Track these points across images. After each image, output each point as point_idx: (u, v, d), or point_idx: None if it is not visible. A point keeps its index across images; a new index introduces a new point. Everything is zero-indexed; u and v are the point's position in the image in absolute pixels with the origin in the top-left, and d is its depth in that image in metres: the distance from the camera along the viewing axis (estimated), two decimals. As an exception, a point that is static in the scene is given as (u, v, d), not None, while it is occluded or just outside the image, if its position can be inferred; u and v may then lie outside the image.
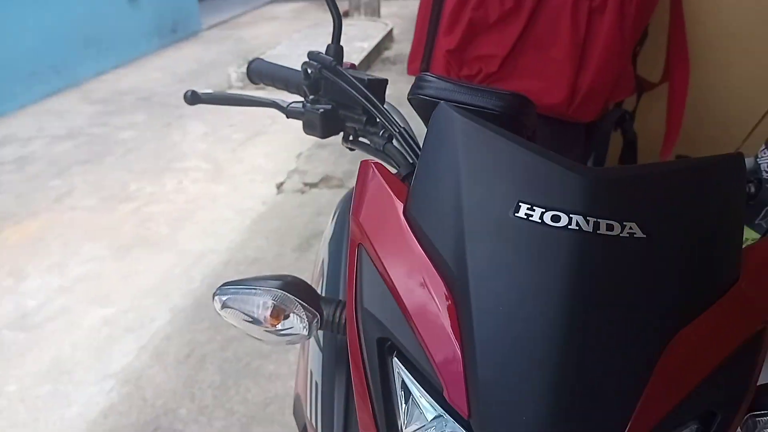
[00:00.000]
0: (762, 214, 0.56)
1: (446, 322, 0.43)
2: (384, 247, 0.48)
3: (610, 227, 0.41)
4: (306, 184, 3.21)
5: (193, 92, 0.86)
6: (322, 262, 0.82)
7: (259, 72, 0.90)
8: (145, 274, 2.42)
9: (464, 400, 0.41)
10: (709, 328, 0.42)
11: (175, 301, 2.25)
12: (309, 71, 0.77)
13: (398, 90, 4.31)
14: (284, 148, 3.70)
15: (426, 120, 0.64)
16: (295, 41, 6.04)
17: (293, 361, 1.95)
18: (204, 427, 1.72)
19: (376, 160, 0.63)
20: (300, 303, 0.55)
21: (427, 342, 0.43)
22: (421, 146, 0.65)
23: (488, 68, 1.33)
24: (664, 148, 1.40)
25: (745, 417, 0.46)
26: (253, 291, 0.57)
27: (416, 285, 0.45)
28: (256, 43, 6.39)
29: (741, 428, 0.47)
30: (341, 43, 0.81)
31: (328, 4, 0.76)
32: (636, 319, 0.40)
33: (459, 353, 0.42)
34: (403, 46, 6.32)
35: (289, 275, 0.60)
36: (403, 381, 0.45)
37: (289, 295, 0.56)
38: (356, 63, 5.09)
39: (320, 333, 0.66)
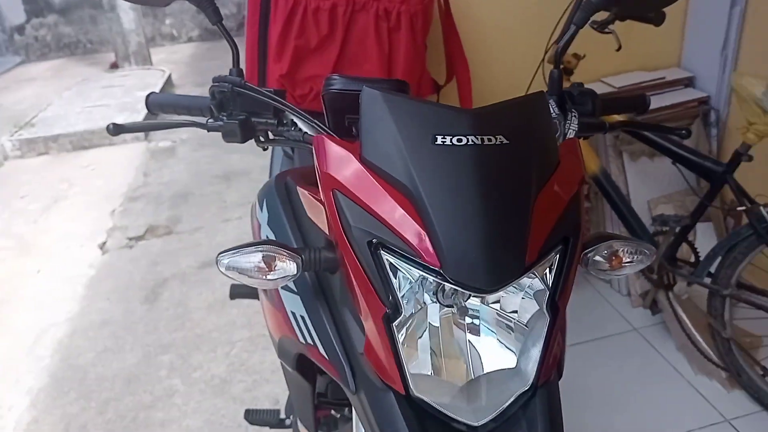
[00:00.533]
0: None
1: (411, 217, 0.64)
2: (353, 184, 0.67)
3: (489, 140, 0.66)
4: (131, 239, 3.12)
5: (115, 124, 0.92)
6: (267, 239, 0.95)
7: (160, 103, 0.99)
8: (-21, 367, 2.19)
9: (435, 258, 0.63)
10: (552, 191, 0.69)
11: (28, 383, 2.09)
12: (217, 93, 0.90)
13: (195, 132, 4.44)
14: (92, 208, 3.53)
15: (333, 111, 0.84)
16: (67, 99, 5.66)
17: (180, 403, 1.96)
18: (108, 489, 1.67)
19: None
20: (285, 251, 0.72)
21: (403, 232, 0.64)
22: (332, 130, 0.84)
23: (317, 86, 1.56)
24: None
25: (582, 253, 0.75)
26: (246, 251, 0.71)
27: (384, 200, 0.65)
28: (20, 107, 5.82)
29: (581, 265, 0.76)
30: None
31: (224, 35, 0.89)
32: (514, 188, 0.66)
33: (424, 233, 0.63)
34: (185, 90, 6.27)
35: (267, 239, 0.75)
36: (391, 263, 0.65)
37: (274, 247, 0.72)
38: (142, 113, 4.97)
39: (290, 283, 0.81)
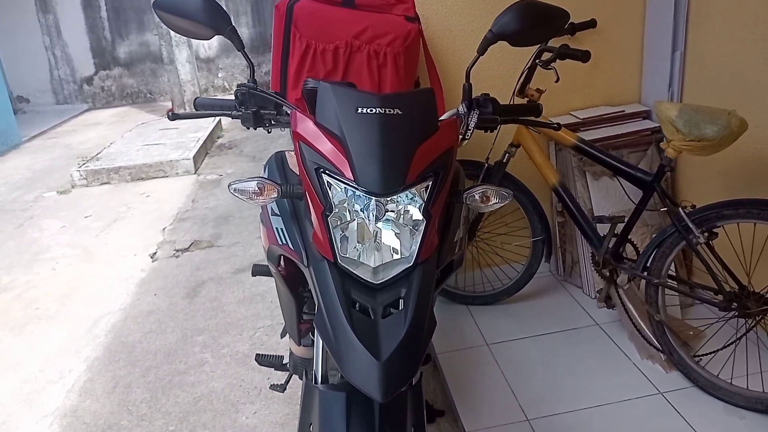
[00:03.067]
0: (463, 127, 1.28)
1: (340, 153, 1.04)
2: (310, 136, 1.08)
3: (389, 111, 1.06)
4: (177, 250, 3.61)
5: (173, 113, 1.38)
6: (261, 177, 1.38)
7: (203, 105, 1.44)
8: (48, 342, 2.66)
9: (352, 176, 1.02)
10: (431, 144, 1.08)
11: (86, 353, 2.54)
12: (239, 94, 1.34)
13: (240, 168, 5.08)
14: (147, 226, 4.05)
15: (309, 101, 1.27)
16: (128, 139, 6.36)
17: (209, 371, 2.36)
18: (146, 428, 2.07)
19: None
20: (270, 182, 1.13)
21: (334, 162, 1.04)
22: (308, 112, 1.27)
23: (324, 109, 2.02)
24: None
25: (465, 193, 1.13)
26: (247, 180, 1.13)
27: (327, 145, 1.06)
28: (85, 147, 6.57)
29: (465, 202, 1.15)
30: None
31: (244, 57, 1.34)
32: (403, 139, 1.05)
33: (347, 162, 1.03)
34: (233, 134, 6.92)
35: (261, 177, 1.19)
36: (328, 182, 1.05)
37: (264, 179, 1.13)
38: (194, 151, 5.59)
39: (274, 207, 1.22)
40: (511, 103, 2.27)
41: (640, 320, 2.12)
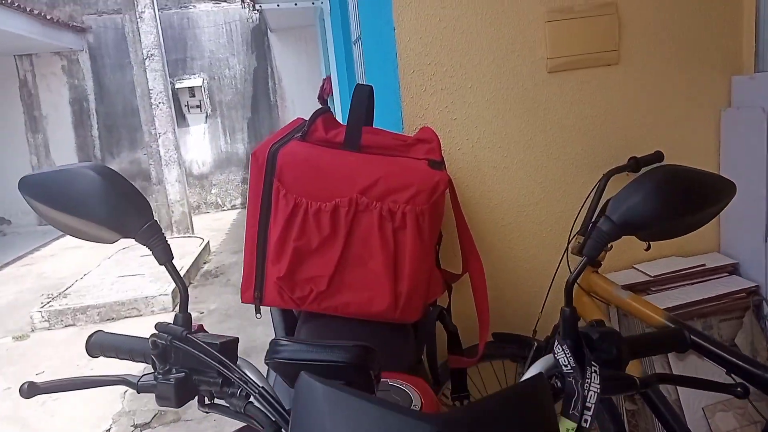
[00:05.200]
0: (572, 404, 0.69)
1: None
2: None
3: None
4: (136, 426, 2.92)
5: (30, 383, 0.80)
6: None
7: (101, 345, 0.87)
8: None
9: None
10: None
11: None
12: (157, 342, 0.77)
13: (225, 302, 4.35)
14: (105, 390, 3.37)
15: (285, 377, 0.69)
16: (104, 268, 5.80)
17: None
18: None
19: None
20: None
21: None
22: (280, 402, 0.69)
23: (318, 287, 1.44)
24: (481, 332, 1.59)
25: None
26: None
27: None
28: (60, 276, 6.00)
29: None
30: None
31: (172, 277, 0.80)
32: None
33: None
34: (222, 257, 6.39)
35: None
36: None
37: None
38: (173, 285, 5.00)
39: None
40: (566, 262, 1.74)
41: None
